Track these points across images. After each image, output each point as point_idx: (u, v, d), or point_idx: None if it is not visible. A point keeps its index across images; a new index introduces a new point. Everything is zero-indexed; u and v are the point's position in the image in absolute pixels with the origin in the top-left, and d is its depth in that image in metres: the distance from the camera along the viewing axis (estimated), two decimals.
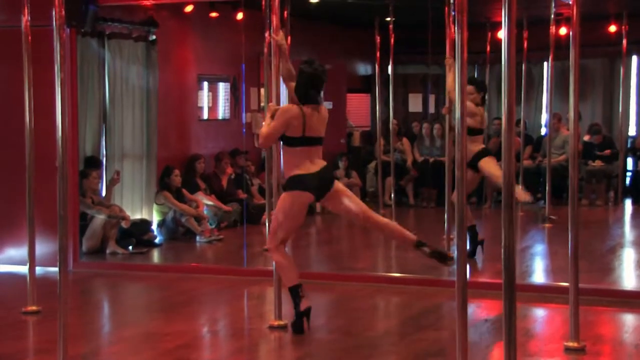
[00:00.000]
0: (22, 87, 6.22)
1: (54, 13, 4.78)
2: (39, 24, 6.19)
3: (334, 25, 12.34)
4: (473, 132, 7.56)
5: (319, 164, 5.44)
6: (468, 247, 7.71)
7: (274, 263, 5.66)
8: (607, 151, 11.86)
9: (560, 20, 9.91)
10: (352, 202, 5.53)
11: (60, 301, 4.65)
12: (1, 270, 7.88)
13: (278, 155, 5.88)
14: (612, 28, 11.70)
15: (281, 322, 5.61)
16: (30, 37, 6.18)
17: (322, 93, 5.52)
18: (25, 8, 6.11)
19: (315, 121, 5.43)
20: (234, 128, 10.65)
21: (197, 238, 9.27)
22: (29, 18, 6.14)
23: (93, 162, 8.72)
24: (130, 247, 8.59)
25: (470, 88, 7.73)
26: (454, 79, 7.45)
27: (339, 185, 5.57)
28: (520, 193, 7.62)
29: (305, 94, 5.44)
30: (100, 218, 8.30)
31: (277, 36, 5.67)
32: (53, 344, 4.74)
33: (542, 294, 6.46)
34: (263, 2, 6.64)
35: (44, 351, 5.14)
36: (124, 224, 8.45)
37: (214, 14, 9.98)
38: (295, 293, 5.43)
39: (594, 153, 11.84)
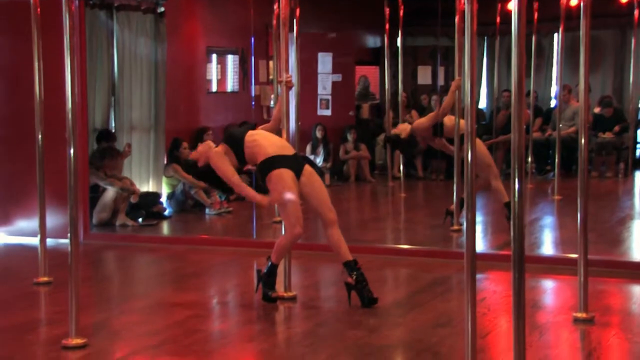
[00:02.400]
0: (31, 59, 6.22)
1: None
2: None
3: None
4: None
5: None
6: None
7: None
8: (616, 127, 11.81)
9: None
10: None
11: (71, 272, 4.66)
12: (12, 241, 7.93)
13: (287, 127, 5.87)
14: None
15: (291, 294, 5.63)
16: (39, 9, 6.17)
17: None
18: None
19: None
20: (242, 101, 10.63)
21: (207, 210, 9.28)
22: None
23: (108, 136, 8.72)
24: (140, 220, 8.62)
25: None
26: (449, 103, 7.51)
27: None
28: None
29: None
30: (112, 190, 8.33)
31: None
32: (64, 315, 4.78)
33: (551, 266, 6.46)
34: None
35: (55, 321, 5.16)
36: (132, 199, 8.48)
37: None
38: (273, 269, 5.54)
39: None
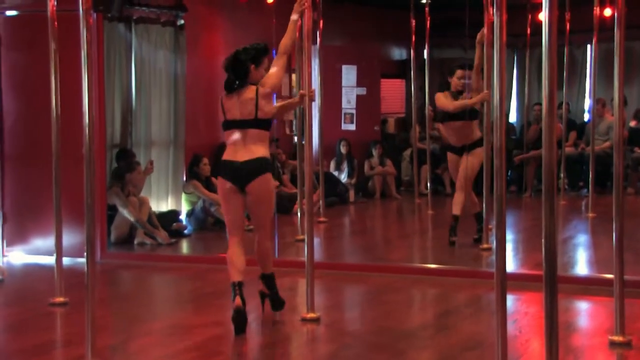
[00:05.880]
0: (48, 73, 6.17)
1: None
2: (66, 8, 6.09)
3: (368, 7, 12.16)
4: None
5: (243, 154, 5.37)
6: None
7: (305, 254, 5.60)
8: None
9: (604, 1, 9.65)
10: (255, 210, 5.48)
11: (88, 292, 4.61)
12: (28, 261, 7.88)
13: (310, 142, 5.76)
14: None
15: (313, 315, 5.52)
16: (56, 22, 6.13)
17: (245, 74, 5.47)
18: None
19: (231, 105, 5.44)
20: None
21: None
22: (56, 3, 6.09)
23: (127, 155, 8.63)
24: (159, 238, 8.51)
25: (460, 72, 7.88)
26: (480, 59, 7.51)
27: (257, 186, 5.38)
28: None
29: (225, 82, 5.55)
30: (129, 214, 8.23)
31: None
32: (81, 336, 4.71)
33: (586, 287, 6.32)
34: None
35: (71, 343, 5.10)
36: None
37: None
38: (232, 289, 5.35)
39: None
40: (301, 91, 5.66)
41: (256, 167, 5.34)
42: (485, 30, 7.15)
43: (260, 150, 5.37)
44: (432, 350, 4.93)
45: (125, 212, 8.23)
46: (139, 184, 8.52)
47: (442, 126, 7.84)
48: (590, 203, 9.60)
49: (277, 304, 5.66)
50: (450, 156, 7.94)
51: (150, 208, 8.52)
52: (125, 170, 8.36)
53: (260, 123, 5.42)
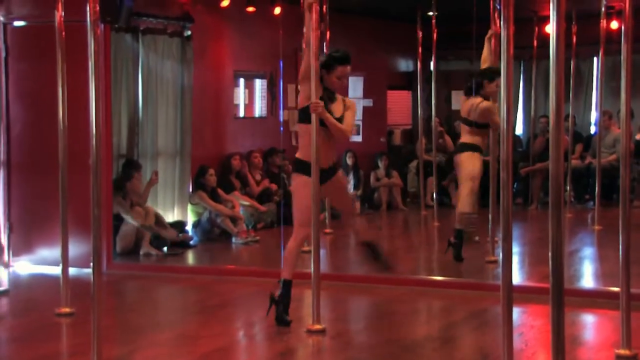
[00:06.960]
0: (55, 83, 6.19)
1: (88, 8, 4.73)
2: (73, 19, 6.12)
3: (375, 19, 12.16)
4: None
5: None
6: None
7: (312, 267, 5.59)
8: None
9: (611, 14, 9.64)
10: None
11: (94, 303, 4.60)
12: (34, 271, 7.87)
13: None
14: None
15: (319, 327, 5.51)
16: (64, 33, 6.15)
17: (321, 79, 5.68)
18: (59, 3, 6.09)
19: None
20: (271, 126, 10.52)
21: (233, 239, 9.18)
22: (63, 14, 6.11)
23: (134, 164, 8.66)
24: (165, 248, 8.51)
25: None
26: (489, 52, 7.47)
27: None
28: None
29: None
30: (133, 220, 8.23)
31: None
32: (87, 347, 4.70)
33: (592, 299, 6.30)
34: None
35: (77, 354, 5.10)
36: (165, 234, 8.36)
37: (250, 9, 9.85)
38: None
39: None
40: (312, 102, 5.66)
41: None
42: (492, 41, 7.13)
43: (298, 151, 5.72)
44: None
45: (129, 218, 8.22)
46: (139, 191, 8.50)
47: (480, 131, 7.72)
48: (596, 216, 9.56)
49: (279, 319, 5.60)
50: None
51: (155, 211, 8.53)
52: (124, 179, 8.36)
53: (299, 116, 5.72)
